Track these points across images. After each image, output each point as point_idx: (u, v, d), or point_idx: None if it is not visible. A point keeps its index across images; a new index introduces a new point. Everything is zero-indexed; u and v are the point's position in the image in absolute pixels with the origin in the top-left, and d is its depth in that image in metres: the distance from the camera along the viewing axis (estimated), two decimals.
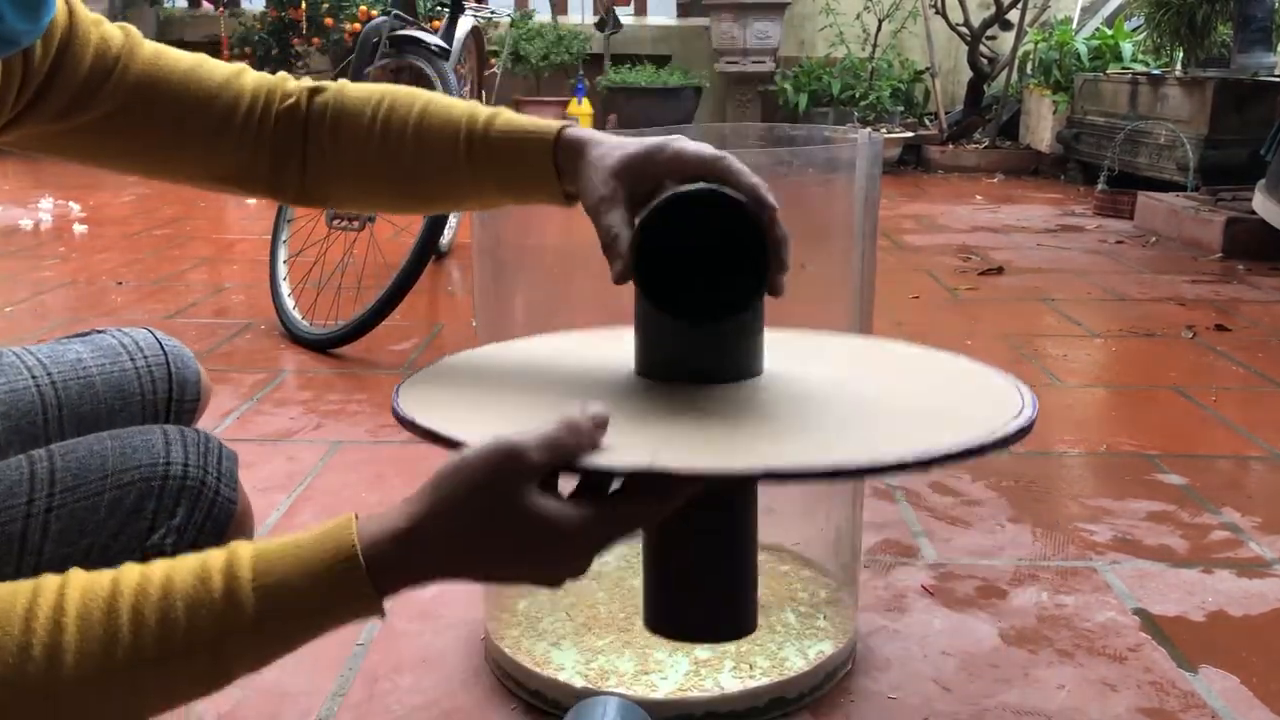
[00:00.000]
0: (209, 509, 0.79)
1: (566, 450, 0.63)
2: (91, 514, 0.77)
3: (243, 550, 0.61)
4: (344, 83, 0.93)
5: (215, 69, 0.89)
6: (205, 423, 2.10)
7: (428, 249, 2.45)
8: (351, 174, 0.91)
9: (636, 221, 0.75)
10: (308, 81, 0.93)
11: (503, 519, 0.62)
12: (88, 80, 0.84)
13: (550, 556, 0.64)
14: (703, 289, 0.74)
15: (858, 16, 6.44)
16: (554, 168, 0.83)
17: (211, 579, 0.60)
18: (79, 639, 0.57)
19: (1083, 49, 5.71)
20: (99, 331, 1.00)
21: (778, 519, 1.38)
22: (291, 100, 0.90)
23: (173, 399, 0.98)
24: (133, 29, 0.88)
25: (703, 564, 0.73)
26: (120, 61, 0.85)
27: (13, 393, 0.91)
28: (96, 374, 0.95)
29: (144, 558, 0.73)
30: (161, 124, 0.87)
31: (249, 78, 0.90)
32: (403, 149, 0.88)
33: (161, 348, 0.99)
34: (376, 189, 0.92)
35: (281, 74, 0.93)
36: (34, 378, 0.93)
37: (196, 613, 0.59)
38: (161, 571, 0.61)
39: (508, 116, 0.86)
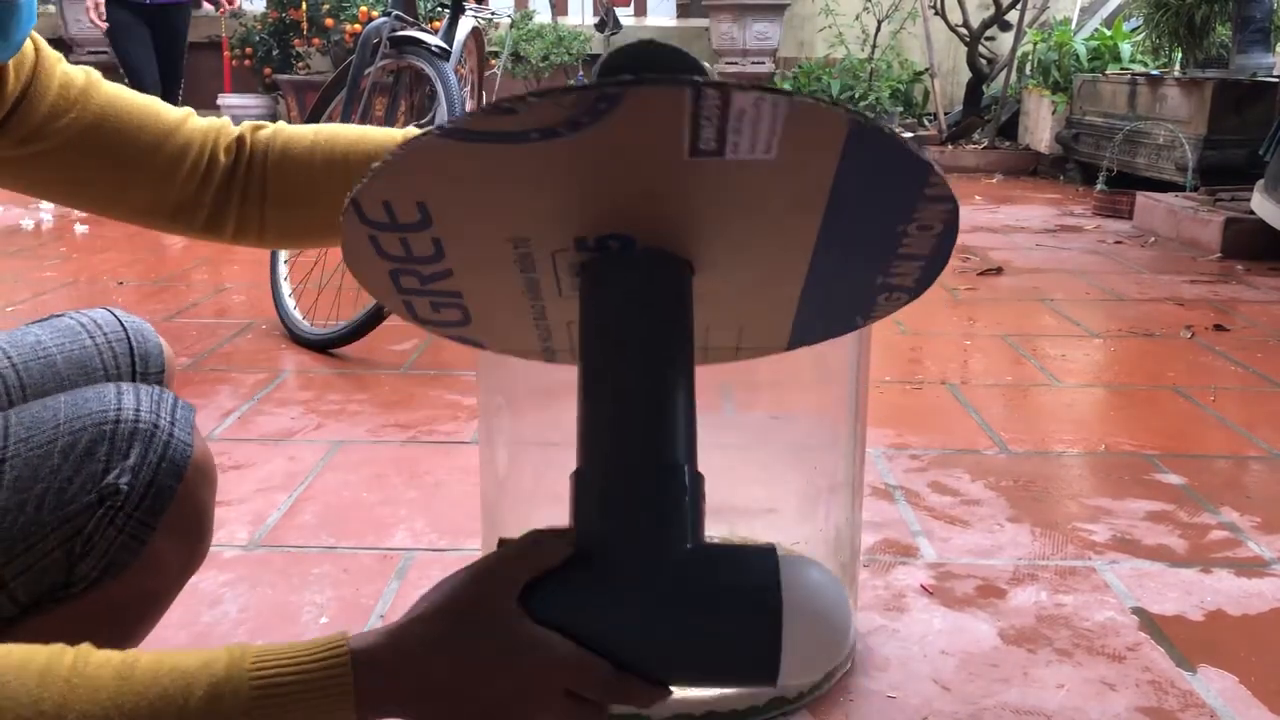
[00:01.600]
0: (164, 450, 0.81)
1: (538, 562, 0.72)
2: (45, 460, 0.78)
3: (250, 646, 0.67)
4: (281, 124, 1.00)
5: (167, 112, 0.96)
6: (205, 421, 2.10)
7: None
8: (290, 201, 0.98)
9: None
10: (247, 124, 1.00)
11: (486, 625, 0.69)
12: (49, 114, 0.89)
13: (527, 666, 0.69)
14: None
15: (857, 17, 6.45)
16: None
17: (217, 657, 0.65)
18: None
19: (1081, 50, 5.72)
20: (58, 316, 1.02)
21: (778, 519, 1.38)
22: (233, 138, 0.98)
23: (136, 372, 1.00)
24: (94, 71, 0.95)
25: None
26: (80, 100, 0.91)
27: None
28: (57, 354, 0.97)
29: (100, 499, 0.77)
30: (115, 160, 0.93)
31: (196, 121, 0.98)
32: (347, 173, 0.95)
33: (120, 324, 1.01)
34: (313, 214, 0.98)
35: (224, 119, 1.00)
36: None
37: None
38: (171, 655, 0.66)
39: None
